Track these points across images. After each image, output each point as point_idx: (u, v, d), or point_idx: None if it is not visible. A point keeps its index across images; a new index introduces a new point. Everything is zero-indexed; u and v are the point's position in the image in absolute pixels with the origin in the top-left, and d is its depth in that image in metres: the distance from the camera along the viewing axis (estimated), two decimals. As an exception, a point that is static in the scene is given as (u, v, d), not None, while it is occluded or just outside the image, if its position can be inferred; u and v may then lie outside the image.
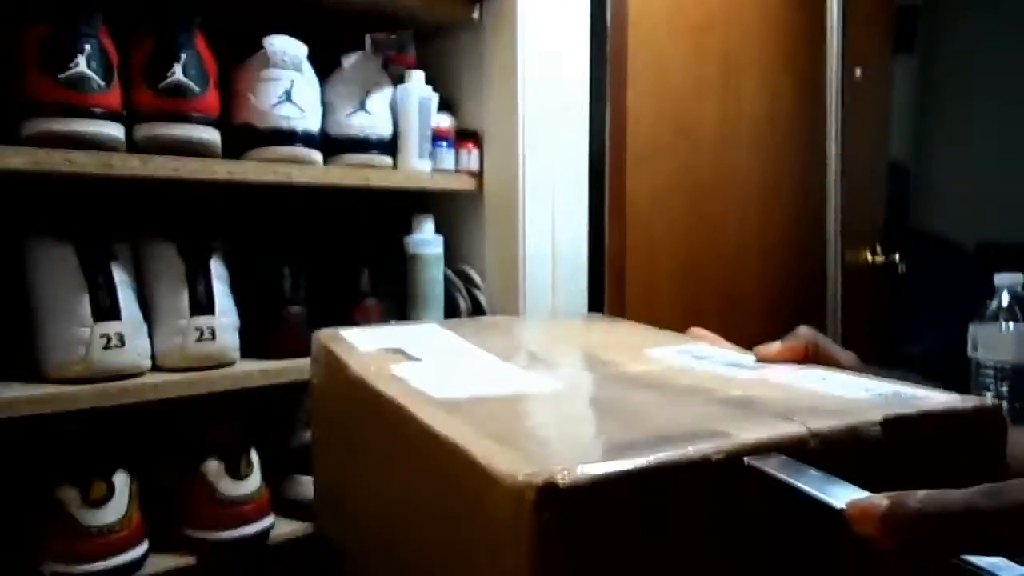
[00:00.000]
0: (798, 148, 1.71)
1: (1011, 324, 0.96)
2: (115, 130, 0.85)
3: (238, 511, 0.91)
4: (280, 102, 0.98)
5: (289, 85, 0.98)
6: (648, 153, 1.42)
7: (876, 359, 0.45)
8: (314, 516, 0.63)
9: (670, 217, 1.49)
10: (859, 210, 1.77)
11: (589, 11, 1.25)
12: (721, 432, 0.31)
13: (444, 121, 1.17)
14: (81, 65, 0.82)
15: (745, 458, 0.29)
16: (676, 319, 0.71)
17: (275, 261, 1.03)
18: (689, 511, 0.29)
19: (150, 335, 0.91)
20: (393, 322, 1.09)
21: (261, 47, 0.98)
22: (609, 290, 1.35)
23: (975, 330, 0.99)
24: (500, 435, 0.32)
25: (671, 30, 1.45)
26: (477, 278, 1.21)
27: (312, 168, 1.01)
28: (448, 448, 0.32)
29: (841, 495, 0.27)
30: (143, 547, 0.85)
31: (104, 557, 0.81)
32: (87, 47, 0.82)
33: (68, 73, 0.81)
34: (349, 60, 1.08)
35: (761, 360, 0.46)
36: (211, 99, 0.92)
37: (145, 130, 0.89)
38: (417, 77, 1.13)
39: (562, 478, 0.26)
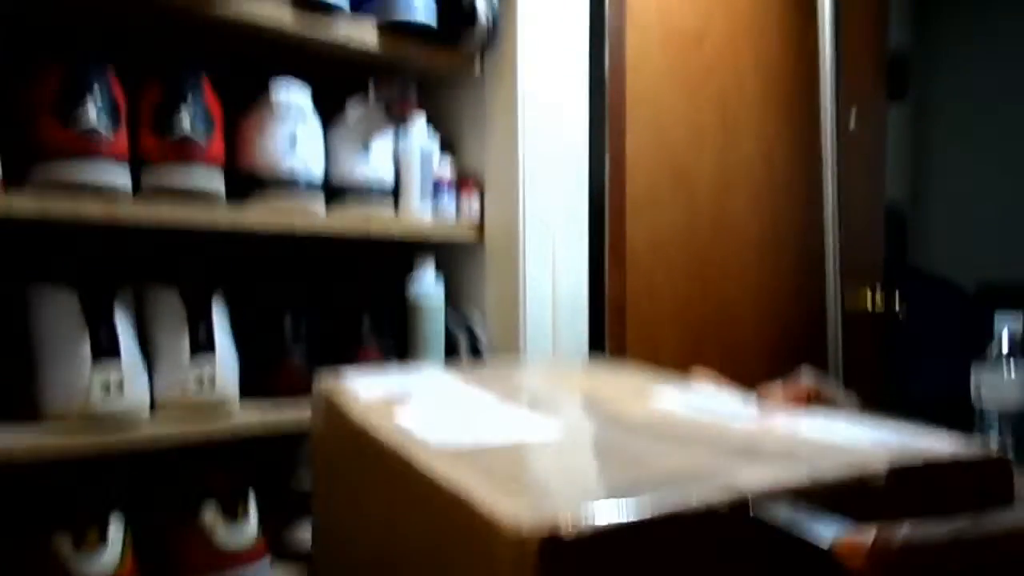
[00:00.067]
0: (795, 194, 1.73)
1: (1013, 368, 0.96)
2: (121, 177, 0.86)
3: (235, 558, 0.90)
4: (284, 149, 0.99)
5: (293, 132, 0.99)
6: (647, 200, 1.44)
7: (877, 401, 0.45)
8: (312, 563, 0.62)
9: (670, 263, 1.49)
10: (858, 253, 1.77)
11: (588, 62, 1.28)
12: (725, 480, 0.30)
13: (445, 168, 1.19)
14: (90, 112, 0.83)
15: (750, 506, 0.29)
16: (677, 363, 0.71)
17: (277, 306, 1.04)
18: (692, 559, 0.29)
19: (150, 380, 0.91)
20: (394, 366, 1.09)
21: (266, 94, 1.00)
22: (610, 334, 1.35)
23: (978, 374, 0.98)
24: (502, 484, 0.32)
25: (669, 79, 1.48)
26: (478, 322, 1.21)
27: (314, 216, 1.02)
28: (450, 497, 0.32)
29: (831, 533, 0.28)
30: (137, 597, 0.84)
31: (97, 607, 0.79)
32: (97, 95, 0.84)
33: (77, 120, 0.82)
34: (353, 108, 1.10)
35: (764, 403, 0.46)
36: (216, 147, 0.93)
37: (151, 177, 0.90)
38: (419, 125, 1.15)
39: (565, 528, 0.26)
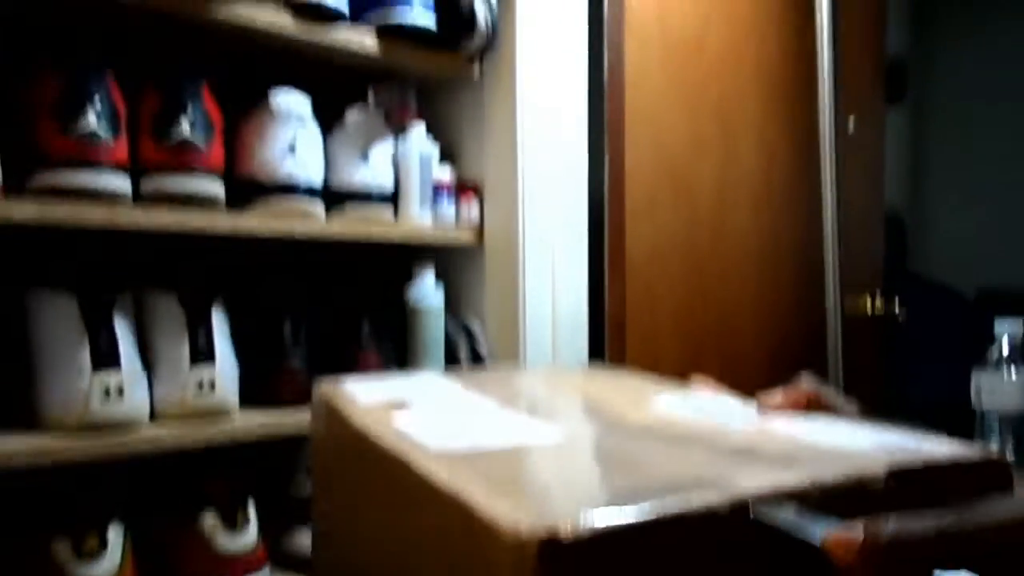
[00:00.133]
0: (795, 201, 1.73)
1: (1013, 371, 0.96)
2: (121, 182, 0.87)
3: (234, 565, 0.90)
4: (283, 155, 0.99)
5: (292, 138, 1.00)
6: (646, 207, 1.44)
7: (877, 407, 0.45)
8: (312, 569, 0.61)
9: (670, 270, 1.49)
10: (857, 260, 1.78)
11: (587, 68, 1.28)
12: (725, 483, 0.30)
13: (445, 173, 1.19)
14: (90, 119, 0.83)
15: (750, 509, 0.29)
16: (676, 370, 0.71)
17: (276, 311, 1.04)
18: (692, 562, 0.28)
19: (150, 385, 0.91)
20: (394, 372, 1.09)
21: (266, 100, 1.00)
22: (609, 340, 1.35)
23: (978, 378, 0.98)
24: (502, 487, 0.32)
25: (668, 86, 1.48)
26: (478, 328, 1.21)
27: (314, 221, 1.03)
28: (449, 500, 0.32)
29: (821, 530, 0.28)
30: (136, 604, 0.84)
31: (96, 614, 0.79)
32: (96, 101, 0.84)
33: (77, 126, 0.83)
34: (352, 114, 1.10)
35: (763, 409, 0.46)
36: (216, 153, 0.93)
37: (150, 183, 0.90)
38: (418, 130, 1.15)
39: (564, 531, 0.26)
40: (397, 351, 1.13)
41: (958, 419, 0.99)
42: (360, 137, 1.09)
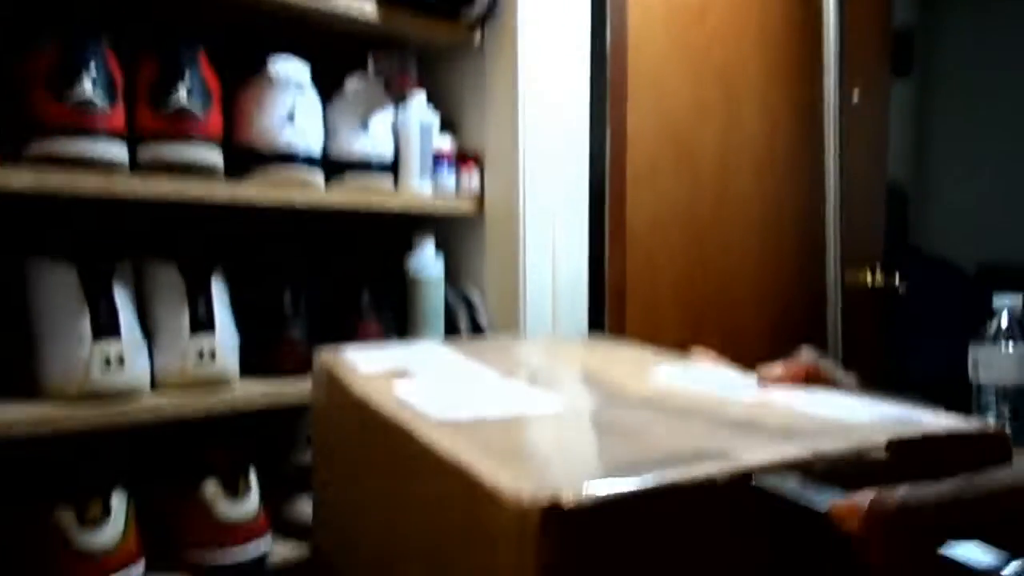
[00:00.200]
0: (797, 170, 1.72)
1: (1011, 345, 0.96)
2: (118, 151, 0.86)
3: (236, 532, 0.91)
4: (282, 123, 0.98)
5: (291, 107, 0.99)
6: (648, 174, 1.43)
7: (877, 380, 0.45)
8: (313, 537, 0.62)
9: (671, 239, 1.49)
10: (859, 232, 1.77)
11: (589, 35, 1.26)
12: (726, 453, 0.31)
13: (445, 143, 1.18)
14: (86, 86, 0.82)
15: (752, 477, 0.29)
16: (677, 341, 0.71)
17: (276, 281, 1.04)
18: (693, 531, 0.29)
19: (150, 354, 0.91)
20: (394, 342, 1.09)
21: (264, 68, 0.99)
22: (609, 311, 1.35)
23: (976, 351, 0.99)
24: (503, 456, 0.32)
25: (671, 53, 1.47)
26: (478, 298, 1.21)
27: (313, 190, 1.02)
28: (451, 469, 0.32)
29: (828, 500, 0.28)
30: (139, 569, 0.85)
31: (100, 580, 0.80)
32: (92, 69, 0.83)
33: (73, 94, 0.82)
34: (351, 82, 1.09)
35: (763, 381, 0.46)
36: (214, 121, 0.92)
37: (148, 151, 0.89)
38: (419, 99, 1.14)
39: (567, 499, 0.26)
40: (397, 321, 1.13)
41: (957, 393, 1.00)
42: (360, 105, 1.08)
